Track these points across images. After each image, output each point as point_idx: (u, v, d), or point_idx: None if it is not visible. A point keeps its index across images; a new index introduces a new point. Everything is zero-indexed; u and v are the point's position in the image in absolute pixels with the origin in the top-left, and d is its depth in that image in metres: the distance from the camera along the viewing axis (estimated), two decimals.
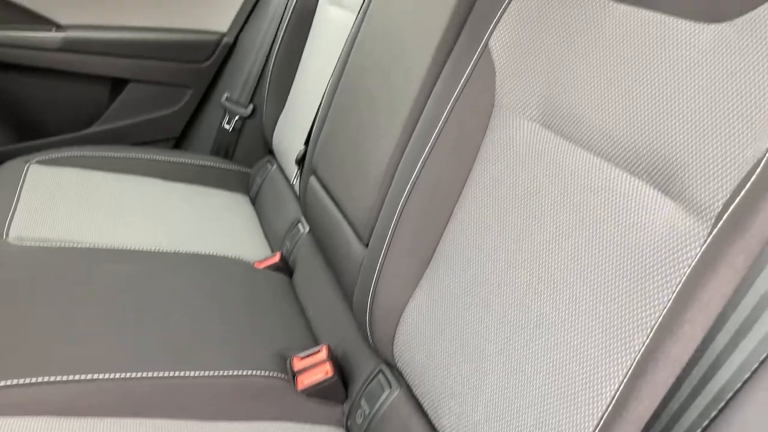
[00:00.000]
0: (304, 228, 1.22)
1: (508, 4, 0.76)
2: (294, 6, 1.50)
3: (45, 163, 1.36)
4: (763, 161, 0.45)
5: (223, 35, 1.66)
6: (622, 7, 0.63)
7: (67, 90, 1.58)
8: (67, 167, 1.36)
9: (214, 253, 1.18)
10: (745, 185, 0.45)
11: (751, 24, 0.50)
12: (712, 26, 0.53)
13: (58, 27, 1.52)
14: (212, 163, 1.52)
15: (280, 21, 1.57)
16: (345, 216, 0.98)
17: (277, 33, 1.57)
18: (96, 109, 1.61)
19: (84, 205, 1.23)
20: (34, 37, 1.49)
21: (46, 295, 0.92)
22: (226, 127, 1.61)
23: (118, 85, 1.61)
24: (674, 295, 0.48)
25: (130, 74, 1.59)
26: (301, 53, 1.48)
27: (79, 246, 1.10)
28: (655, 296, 0.50)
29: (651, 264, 0.52)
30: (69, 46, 1.52)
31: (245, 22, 1.67)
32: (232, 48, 1.67)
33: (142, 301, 0.95)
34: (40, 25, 1.51)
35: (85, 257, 1.06)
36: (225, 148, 1.63)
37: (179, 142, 1.73)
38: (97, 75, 1.57)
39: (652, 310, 0.50)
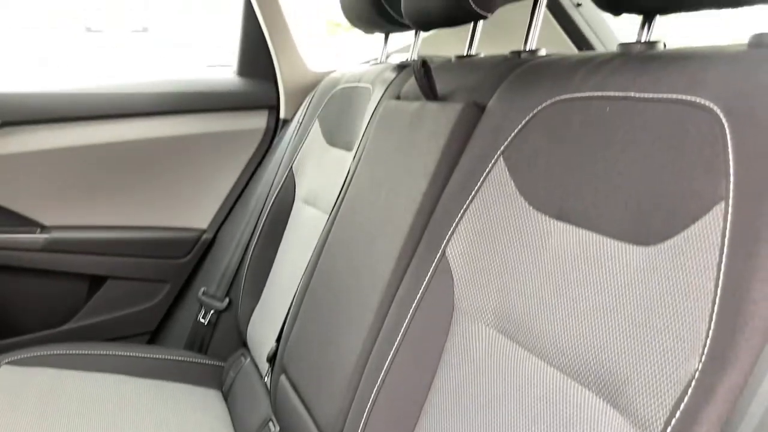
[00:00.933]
0: (275, 428, 1.20)
1: (462, 216, 0.82)
2: (272, 203, 1.58)
3: (16, 363, 1.35)
4: (693, 382, 0.48)
5: (203, 232, 1.73)
6: (561, 225, 0.68)
7: (45, 288, 1.61)
8: (39, 367, 1.35)
9: None
10: (680, 406, 0.48)
11: (672, 250, 0.55)
12: (642, 248, 0.58)
13: (43, 228, 1.58)
14: (186, 358, 1.52)
15: (258, 217, 1.65)
16: (314, 420, 0.97)
17: (255, 229, 1.63)
18: (73, 306, 1.63)
19: (50, 409, 1.21)
20: (19, 239, 1.55)
21: None
22: (202, 320, 1.63)
23: (96, 281, 1.64)
24: None
25: (109, 271, 1.63)
26: (277, 249, 1.54)
27: None
28: None
29: None
30: (52, 247, 1.57)
31: (225, 219, 1.75)
32: (211, 243, 1.73)
33: None
34: (24, 227, 1.57)
35: None
36: (200, 341, 1.64)
37: (154, 336, 1.73)
38: (76, 273, 1.61)
39: None
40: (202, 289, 1.67)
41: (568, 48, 1.54)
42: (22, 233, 1.56)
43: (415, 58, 1.35)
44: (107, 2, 1.73)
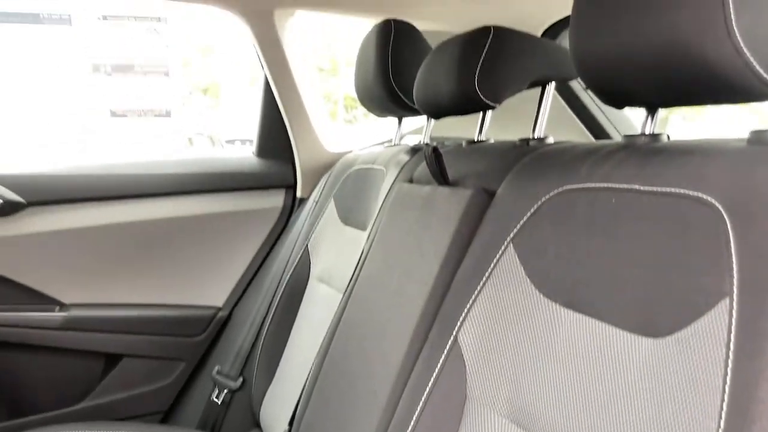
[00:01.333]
0: None
1: (473, 302, 0.82)
2: (287, 281, 1.60)
3: None
4: None
5: (219, 309, 1.74)
6: (572, 314, 0.69)
7: (61, 366, 1.61)
8: None
9: None
10: None
11: (680, 343, 0.55)
12: (650, 340, 0.58)
13: (62, 306, 1.61)
14: None
15: (273, 295, 1.66)
16: None
17: (270, 307, 1.64)
18: (87, 385, 1.63)
19: None
20: (38, 316, 1.57)
21: None
22: (215, 400, 1.61)
23: (112, 360, 1.65)
24: None
25: (124, 350, 1.64)
26: (292, 327, 1.54)
27: None
28: None
29: None
30: (69, 325, 1.59)
31: (241, 297, 1.76)
32: (226, 321, 1.74)
33: None
34: (44, 304, 1.59)
35: None
36: (213, 421, 1.62)
37: (167, 415, 1.72)
38: (92, 351, 1.62)
39: None
40: (217, 368, 1.66)
41: (580, 130, 1.57)
42: (42, 311, 1.59)
43: (428, 142, 1.38)
44: (132, 87, 1.80)
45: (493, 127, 1.16)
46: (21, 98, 1.77)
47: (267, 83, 1.74)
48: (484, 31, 0.99)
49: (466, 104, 1.01)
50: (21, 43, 1.72)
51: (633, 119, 1.56)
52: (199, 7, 1.54)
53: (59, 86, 1.77)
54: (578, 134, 1.57)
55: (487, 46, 0.97)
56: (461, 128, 1.34)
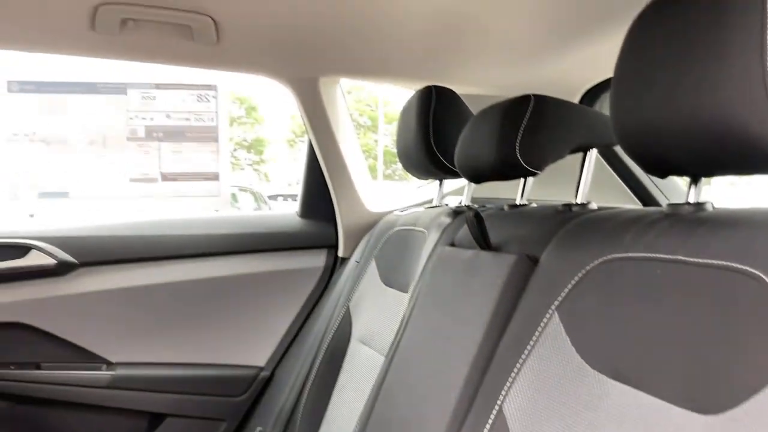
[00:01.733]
0: None
1: (519, 372, 0.81)
2: (329, 342, 1.60)
3: None
4: None
5: (261, 369, 1.75)
6: (618, 385, 0.68)
7: (106, 425, 1.63)
8: None
9: None
10: None
11: (733, 422, 0.54)
12: (703, 417, 0.57)
13: (109, 365, 1.64)
14: None
15: (315, 355, 1.66)
16: None
17: (311, 367, 1.64)
18: None
19: None
20: (86, 375, 1.60)
21: None
22: None
23: (155, 419, 1.66)
24: None
25: (168, 409, 1.65)
26: (334, 388, 1.54)
27: None
28: None
29: None
30: (116, 384, 1.61)
31: (283, 356, 1.77)
32: (268, 381, 1.75)
33: None
34: (91, 363, 1.63)
35: None
36: None
37: None
38: (137, 410, 1.64)
39: None
40: (258, 429, 1.66)
41: (628, 195, 1.55)
42: (90, 370, 1.62)
43: (469, 203, 1.39)
44: (182, 152, 1.87)
45: (535, 183, 1.17)
46: (80, 161, 1.85)
47: (311, 146, 1.79)
48: (525, 99, 1.01)
49: (508, 170, 1.02)
50: (81, 111, 1.81)
51: (681, 184, 1.54)
52: (248, 76, 1.61)
53: (114, 152, 1.84)
54: (626, 199, 1.56)
55: (527, 114, 0.99)
56: (501, 188, 1.35)
